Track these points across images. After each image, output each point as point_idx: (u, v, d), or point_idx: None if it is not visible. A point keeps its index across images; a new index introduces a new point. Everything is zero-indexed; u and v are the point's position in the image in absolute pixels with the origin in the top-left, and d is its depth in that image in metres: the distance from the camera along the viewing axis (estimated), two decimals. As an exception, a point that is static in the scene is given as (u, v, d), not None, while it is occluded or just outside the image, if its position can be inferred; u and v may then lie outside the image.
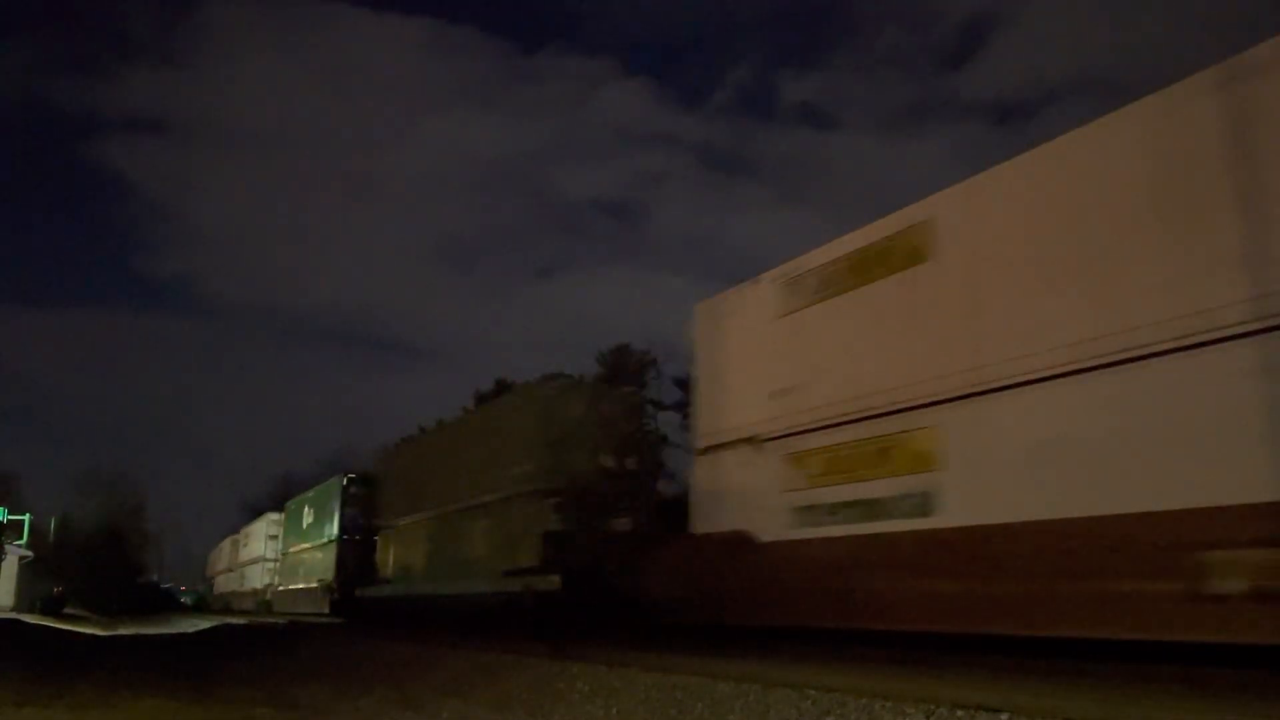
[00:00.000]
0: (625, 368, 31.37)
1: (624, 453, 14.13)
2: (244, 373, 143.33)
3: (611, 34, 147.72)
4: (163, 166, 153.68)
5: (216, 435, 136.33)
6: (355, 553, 23.33)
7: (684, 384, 38.71)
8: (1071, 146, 6.98)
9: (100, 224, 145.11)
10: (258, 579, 39.89)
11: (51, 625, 26.54)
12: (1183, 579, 5.62)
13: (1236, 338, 5.74)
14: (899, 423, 7.90)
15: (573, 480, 13.37)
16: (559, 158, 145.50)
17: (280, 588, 33.88)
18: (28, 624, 24.95)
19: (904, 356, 7.98)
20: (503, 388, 36.66)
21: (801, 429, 8.94)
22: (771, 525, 9.05)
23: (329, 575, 25.23)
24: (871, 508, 8.00)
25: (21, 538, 41.15)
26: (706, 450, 10.26)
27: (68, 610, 40.76)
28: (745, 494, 9.49)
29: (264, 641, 16.61)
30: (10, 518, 40.04)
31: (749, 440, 9.57)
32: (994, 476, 7.06)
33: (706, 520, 10.05)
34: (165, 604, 58.37)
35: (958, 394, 7.41)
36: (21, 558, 40.57)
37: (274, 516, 38.65)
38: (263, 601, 37.47)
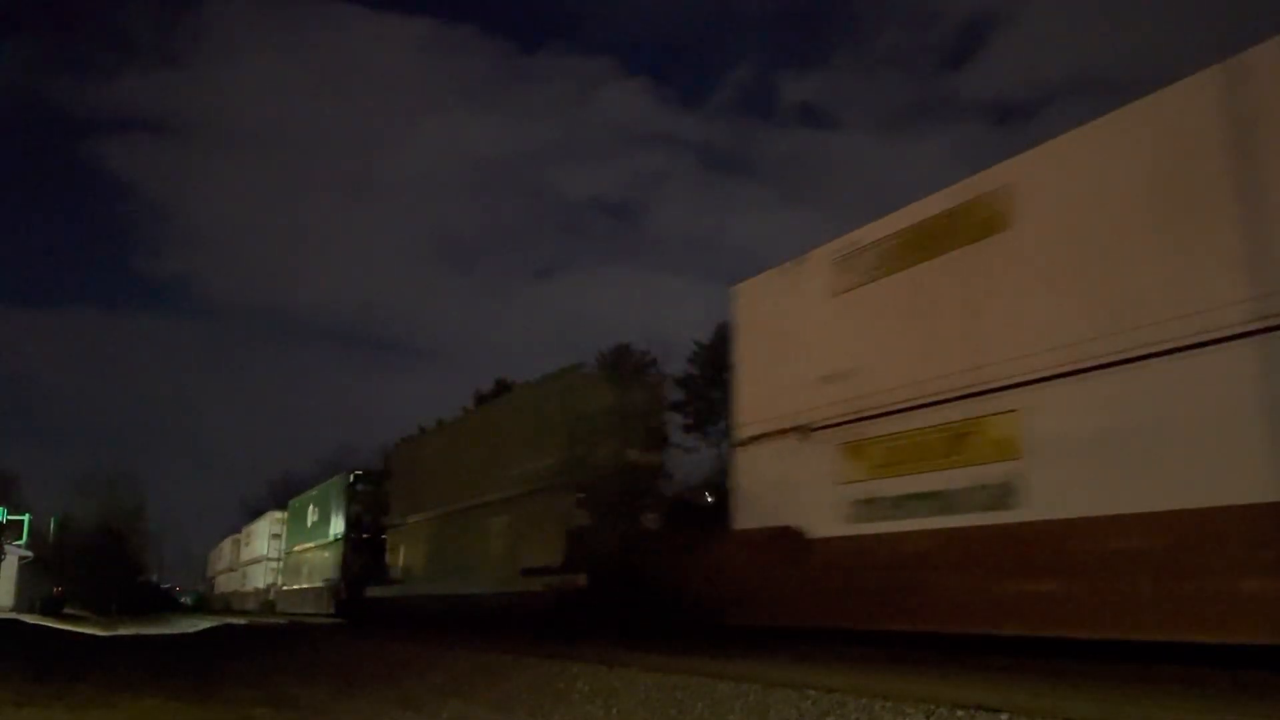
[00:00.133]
0: (625, 368, 31.41)
1: (649, 446, 13.54)
2: (244, 373, 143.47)
3: (611, 34, 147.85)
4: (163, 166, 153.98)
5: (216, 435, 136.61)
6: (363, 551, 22.72)
7: (685, 383, 38.88)
8: (1182, 97, 6.36)
9: (100, 224, 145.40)
10: (260, 579, 39.44)
11: (51, 625, 26.52)
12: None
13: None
14: (974, 407, 7.26)
15: (597, 474, 12.83)
16: (559, 158, 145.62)
17: (284, 587, 33.32)
18: (27, 624, 24.92)
19: (980, 335, 7.34)
20: (503, 388, 36.58)
21: (859, 416, 8.32)
22: (824, 520, 8.45)
23: (335, 574, 24.63)
24: (942, 500, 7.38)
25: (21, 538, 41.17)
26: (748, 441, 9.65)
27: (67, 610, 40.73)
28: (793, 487, 8.89)
29: (264, 642, 16.60)
30: (10, 518, 40.08)
31: (797, 429, 8.97)
32: (1086, 465, 6.44)
33: (749, 515, 9.42)
34: (165, 604, 58.40)
35: (1045, 374, 6.78)
36: (21, 558, 40.57)
37: (277, 515, 38.12)
38: (265, 601, 36.99)
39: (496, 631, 12.86)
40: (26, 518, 42.50)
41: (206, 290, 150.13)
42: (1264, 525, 5.42)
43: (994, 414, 7.14)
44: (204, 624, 28.04)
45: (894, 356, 8.12)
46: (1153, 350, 6.18)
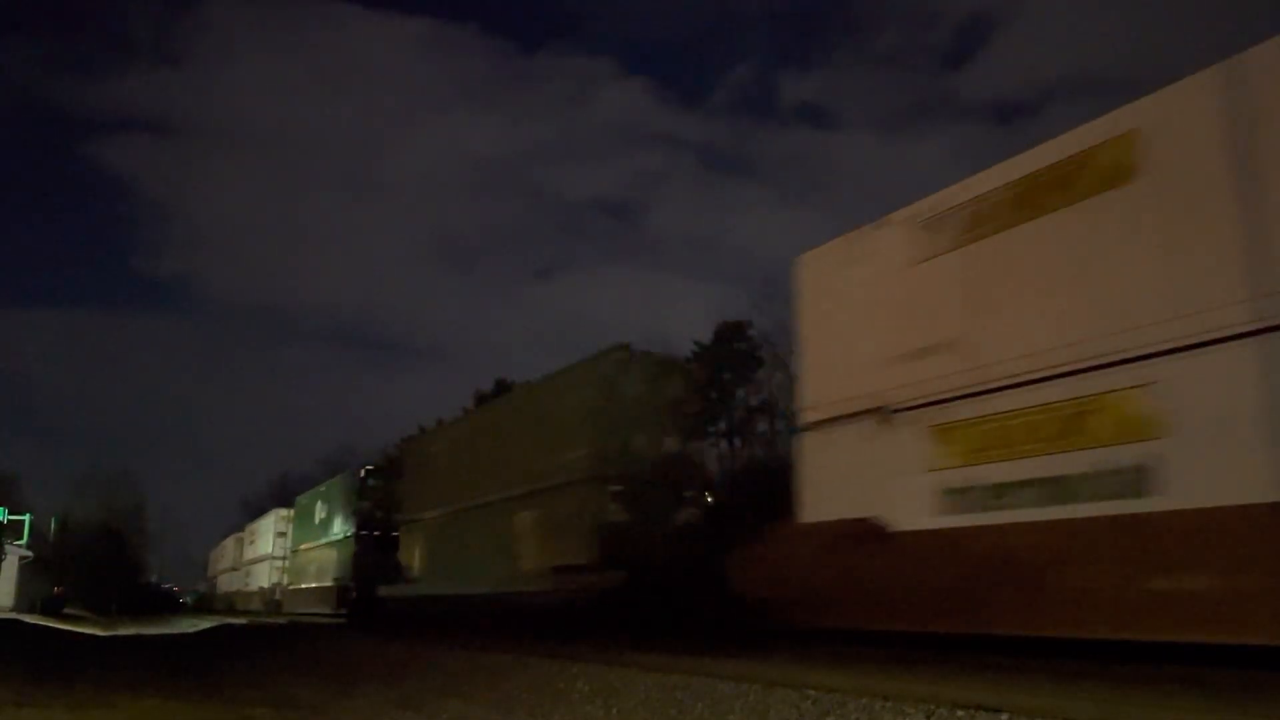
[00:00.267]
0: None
1: (688, 435, 12.82)
2: (244, 373, 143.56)
3: (611, 34, 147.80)
4: (163, 166, 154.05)
5: (216, 435, 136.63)
6: (374, 549, 22.08)
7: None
8: None
9: (100, 224, 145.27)
10: (265, 578, 38.79)
11: (51, 625, 26.51)
12: None
13: None
14: (1098, 381, 6.44)
15: (634, 466, 12.08)
16: (559, 158, 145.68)
17: (291, 587, 32.56)
18: (27, 624, 24.93)
19: (1105, 300, 6.53)
20: (503, 388, 36.50)
21: (951, 395, 7.51)
22: (909, 511, 7.69)
23: (345, 573, 23.88)
24: (1055, 488, 6.59)
25: (21, 538, 41.14)
26: (816, 425, 8.87)
27: (67, 610, 40.72)
28: (871, 475, 8.15)
29: (264, 642, 16.57)
30: (10, 518, 40.04)
31: (876, 411, 8.20)
32: (1243, 444, 5.66)
33: (817, 506, 8.66)
34: (165, 604, 58.37)
35: (1192, 341, 5.97)
36: (21, 558, 40.53)
37: (282, 513, 37.37)
38: (271, 601, 36.35)
39: (523, 633, 12.14)
40: (26, 518, 42.51)
41: (206, 290, 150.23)
42: None
43: (1124, 388, 6.31)
44: (204, 624, 28.03)
45: (994, 328, 7.32)
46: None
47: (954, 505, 7.36)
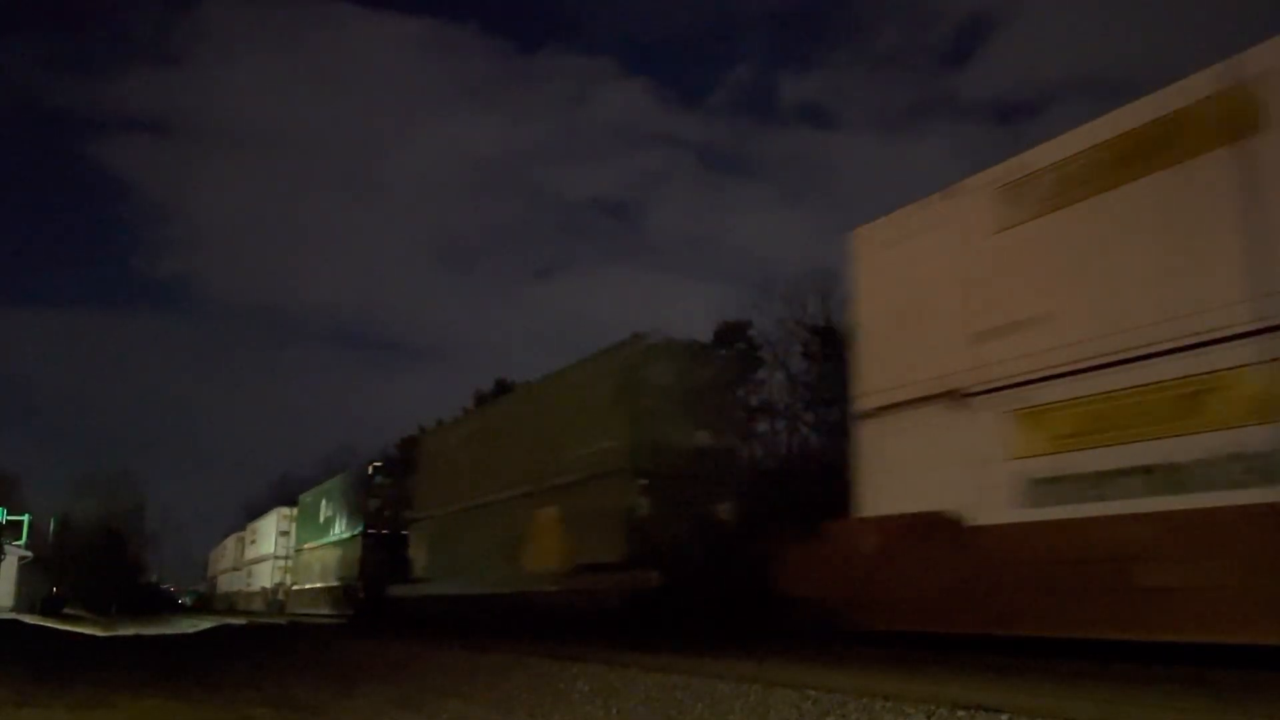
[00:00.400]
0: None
1: (721, 426, 12.22)
2: (244, 373, 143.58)
3: (611, 33, 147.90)
4: (163, 166, 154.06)
5: (216, 435, 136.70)
6: (382, 548, 21.55)
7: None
8: None
9: (100, 224, 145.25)
10: (267, 578, 38.28)
11: (51, 626, 26.50)
12: None
13: None
14: (1221, 357, 5.82)
15: (664, 458, 11.49)
16: (559, 157, 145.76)
17: (295, 587, 31.92)
18: (27, 624, 24.93)
19: (1226, 267, 5.91)
20: (503, 388, 36.44)
21: (1039, 375, 6.89)
22: (987, 503, 7.08)
23: (353, 573, 23.25)
24: (1170, 475, 5.96)
25: (21, 538, 41.18)
26: (877, 412, 8.29)
27: (67, 611, 40.73)
28: (941, 464, 7.54)
29: (264, 642, 16.56)
30: (10, 518, 40.09)
31: (947, 395, 7.58)
32: None
33: (879, 500, 8.08)
34: (164, 604, 58.39)
35: None
36: (21, 558, 40.55)
37: (285, 511, 36.74)
38: (273, 601, 35.87)
39: (547, 635, 11.58)
40: (26, 518, 42.58)
41: (206, 290, 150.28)
42: None
43: (1255, 364, 5.66)
44: (204, 624, 28.03)
45: (1092, 300, 6.66)
46: None
47: (1042, 496, 6.73)
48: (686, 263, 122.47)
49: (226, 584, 52.47)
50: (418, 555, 18.59)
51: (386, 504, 22.46)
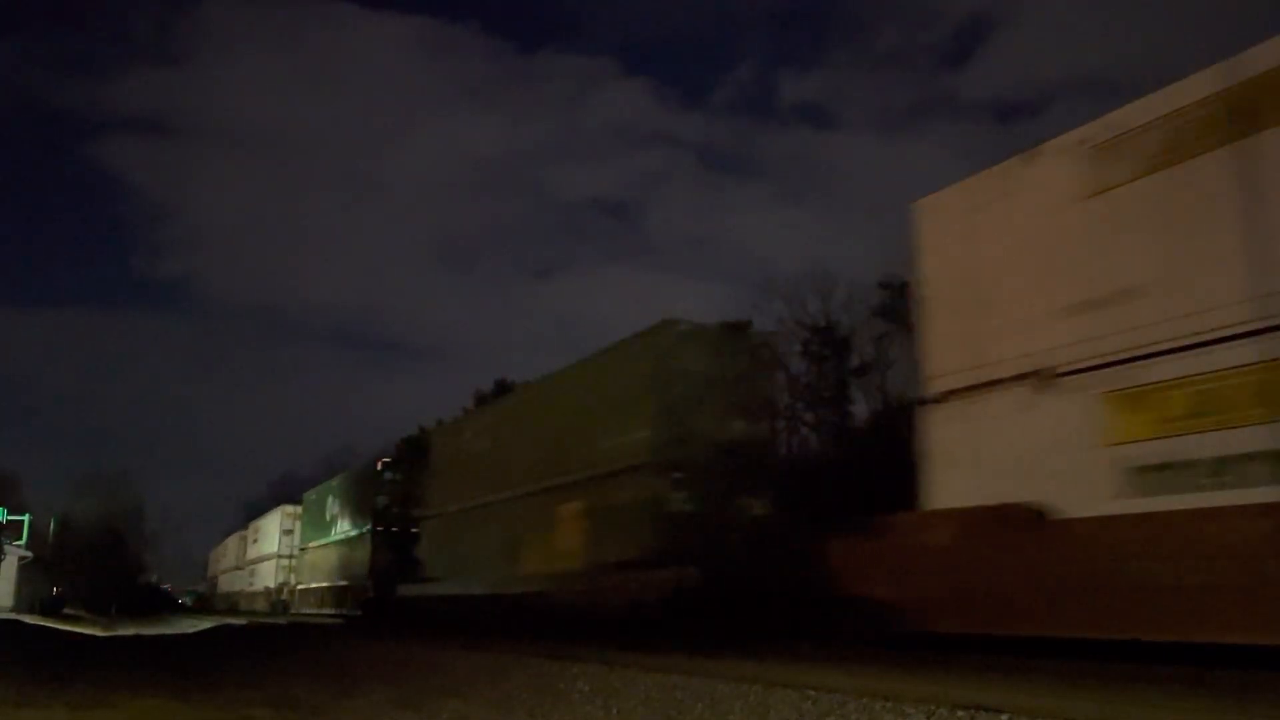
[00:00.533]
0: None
1: (756, 416, 11.61)
2: (244, 373, 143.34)
3: (610, 33, 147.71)
4: (163, 166, 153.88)
5: (216, 435, 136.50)
6: (391, 546, 21.05)
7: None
8: None
9: (100, 224, 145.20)
10: (270, 577, 37.69)
11: (51, 626, 26.51)
12: None
13: None
14: None
15: (698, 450, 10.86)
16: (558, 157, 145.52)
17: (299, 586, 31.23)
18: (27, 624, 24.92)
19: None
20: (503, 388, 36.37)
21: (1141, 352, 6.28)
22: (1079, 494, 6.50)
23: (361, 572, 22.58)
24: None
25: (21, 538, 41.16)
26: (946, 396, 7.71)
27: (67, 611, 40.74)
28: (1024, 451, 6.97)
29: (264, 642, 16.55)
30: (10, 518, 40.07)
31: (1030, 376, 6.98)
32: None
33: (950, 490, 7.52)
34: (164, 605, 58.38)
35: None
36: (21, 558, 40.51)
37: (289, 509, 36.18)
38: (277, 601, 35.29)
39: (571, 637, 11.02)
40: (26, 518, 42.55)
41: (206, 290, 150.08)
42: None
43: None
44: (204, 624, 28.02)
45: (1202, 269, 6.03)
46: None
47: (1147, 485, 6.11)
48: (686, 263, 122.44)
49: (228, 584, 51.91)
50: (429, 554, 18.09)
51: (395, 501, 21.86)
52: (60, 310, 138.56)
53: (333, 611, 24.97)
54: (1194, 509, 5.80)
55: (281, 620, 27.94)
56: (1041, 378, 6.95)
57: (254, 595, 41.39)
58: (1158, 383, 6.20)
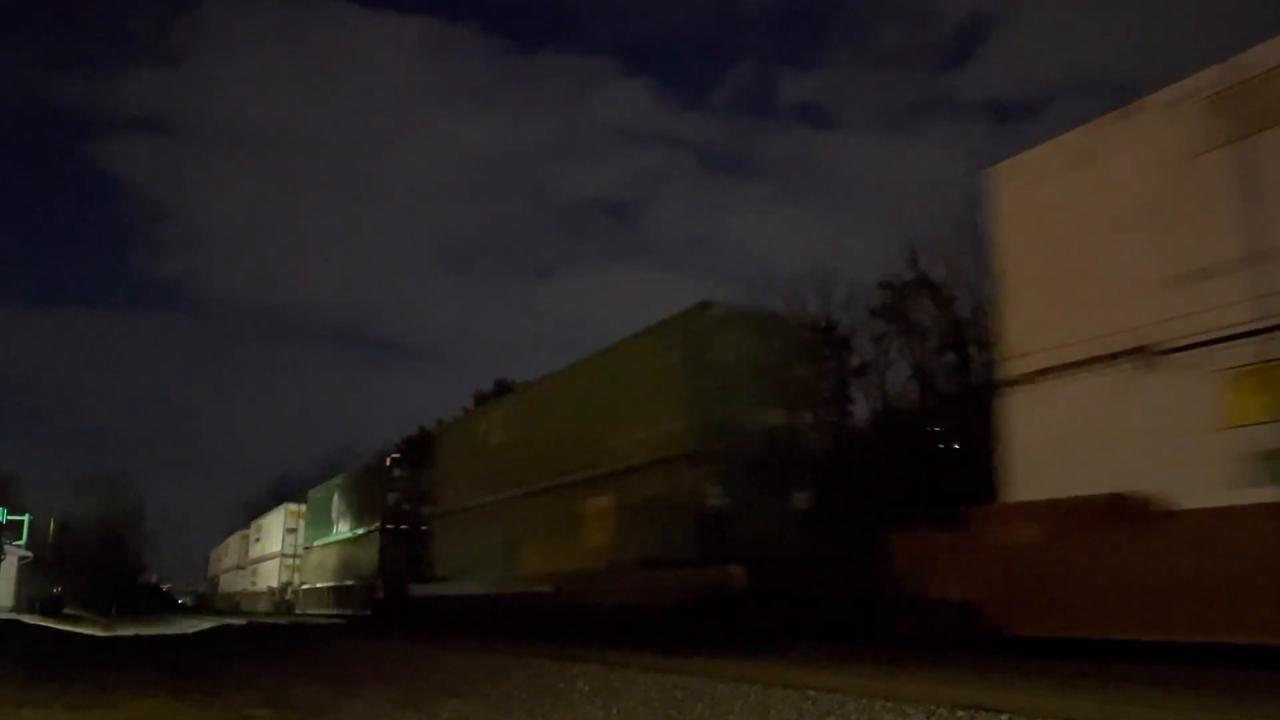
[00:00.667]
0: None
1: (798, 405, 11.00)
2: (244, 373, 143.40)
3: (611, 33, 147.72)
4: (163, 166, 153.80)
5: (216, 435, 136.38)
6: (401, 544, 20.52)
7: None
8: None
9: (100, 224, 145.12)
10: (273, 577, 36.93)
11: (50, 626, 26.51)
12: None
13: None
14: None
15: (737, 440, 10.30)
16: (558, 157, 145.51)
17: (304, 586, 30.40)
18: (27, 624, 24.94)
19: None
20: (503, 388, 36.32)
21: (1270, 324, 5.66)
22: (1192, 482, 5.89)
23: (370, 571, 21.91)
24: None
25: (21, 538, 41.18)
26: (1032, 377, 7.05)
27: (67, 611, 40.76)
28: (1125, 436, 6.32)
29: (264, 642, 16.57)
30: (10, 518, 40.09)
31: (1131, 353, 6.34)
32: None
33: (1036, 481, 6.88)
34: (164, 605, 58.38)
35: None
36: (21, 558, 40.54)
37: (293, 507, 35.33)
38: (281, 602, 34.64)
39: (602, 638, 10.57)
40: (26, 518, 42.58)
41: (206, 290, 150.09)
42: None
43: None
44: (203, 624, 28.02)
45: None
46: None
47: (1276, 472, 5.56)
48: (686, 263, 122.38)
49: (229, 584, 51.28)
50: (442, 552, 17.48)
51: (405, 498, 21.30)
52: (60, 310, 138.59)
53: (339, 612, 24.38)
54: None
55: (281, 620, 27.93)
56: (1145, 354, 6.26)
57: (256, 595, 40.75)
58: None
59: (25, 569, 41.09)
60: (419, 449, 22.34)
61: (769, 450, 10.43)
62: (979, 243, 18.94)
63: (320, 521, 28.29)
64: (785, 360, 11.24)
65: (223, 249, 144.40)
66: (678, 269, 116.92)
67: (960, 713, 4.35)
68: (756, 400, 10.66)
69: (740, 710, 5.34)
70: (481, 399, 35.42)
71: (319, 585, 27.74)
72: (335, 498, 26.62)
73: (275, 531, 37.48)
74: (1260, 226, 5.86)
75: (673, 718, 5.63)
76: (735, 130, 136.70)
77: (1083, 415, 6.70)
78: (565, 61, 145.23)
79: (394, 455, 22.45)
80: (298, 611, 30.52)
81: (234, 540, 51.06)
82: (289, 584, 34.55)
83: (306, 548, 30.59)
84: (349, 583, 24.12)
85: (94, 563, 51.03)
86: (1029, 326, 7.31)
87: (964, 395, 18.37)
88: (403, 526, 20.97)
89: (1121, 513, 6.17)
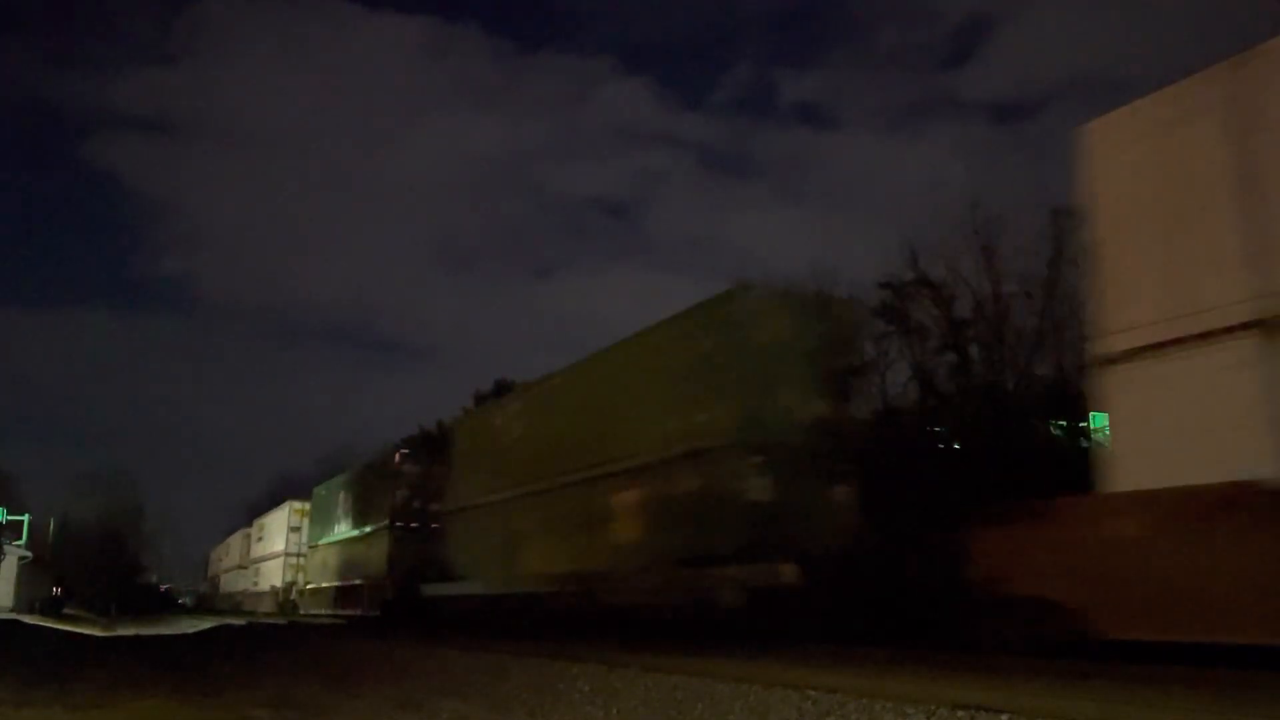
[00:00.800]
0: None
1: (843, 392, 10.47)
2: (244, 373, 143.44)
3: (611, 33, 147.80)
4: (162, 166, 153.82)
5: (216, 435, 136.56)
6: (412, 542, 20.06)
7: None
8: None
9: (100, 224, 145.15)
10: (277, 576, 36.35)
11: (50, 626, 26.51)
12: None
13: None
14: None
15: (779, 431, 9.68)
16: (559, 157, 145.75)
17: (309, 585, 29.67)
18: (27, 624, 24.93)
19: None
20: (503, 388, 36.24)
21: None
22: None
23: (378, 570, 21.41)
24: None
25: (21, 538, 41.20)
26: (1134, 354, 6.41)
27: (66, 611, 40.77)
28: (1247, 416, 5.67)
29: (264, 642, 16.57)
30: (10, 518, 40.11)
31: (1256, 325, 5.67)
32: None
33: (1139, 468, 6.30)
34: (164, 605, 58.36)
35: None
36: (21, 558, 40.56)
37: (297, 505, 34.69)
38: (285, 602, 34.04)
39: (636, 641, 9.98)
40: (26, 518, 42.60)
41: (206, 290, 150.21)
42: None
43: None
44: (203, 624, 28.01)
45: None
46: None
47: None
48: (686, 263, 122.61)
49: (231, 583, 50.87)
50: (457, 550, 16.85)
51: (415, 494, 20.79)
52: (60, 310, 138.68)
53: (346, 613, 23.71)
54: None
55: (281, 620, 27.88)
56: (1268, 328, 5.60)
57: (259, 595, 40.07)
58: None
59: (25, 569, 41.09)
60: (430, 444, 21.88)
61: (814, 440, 9.81)
62: (978, 242, 18.95)
63: (326, 519, 27.56)
64: (829, 345, 10.54)
65: (222, 249, 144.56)
66: (677, 269, 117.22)
67: (960, 713, 4.35)
68: (799, 387, 10.04)
69: (740, 710, 5.34)
70: (481, 399, 35.28)
71: (324, 585, 27.10)
72: (342, 495, 25.91)
73: (278, 530, 36.84)
74: None
75: (673, 718, 5.63)
76: (735, 130, 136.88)
77: (1196, 394, 6.06)
78: (565, 61, 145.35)
79: (403, 451, 21.81)
80: (302, 612, 30.00)
81: (235, 539, 50.68)
82: (293, 584, 33.92)
83: (311, 546, 29.85)
84: (356, 582, 23.52)
85: (94, 563, 51.04)
86: (1130, 298, 6.56)
87: (964, 395, 18.37)
88: (413, 524, 20.48)
89: (1243, 502, 5.45)
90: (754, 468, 9.56)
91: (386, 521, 21.19)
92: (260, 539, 41.94)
